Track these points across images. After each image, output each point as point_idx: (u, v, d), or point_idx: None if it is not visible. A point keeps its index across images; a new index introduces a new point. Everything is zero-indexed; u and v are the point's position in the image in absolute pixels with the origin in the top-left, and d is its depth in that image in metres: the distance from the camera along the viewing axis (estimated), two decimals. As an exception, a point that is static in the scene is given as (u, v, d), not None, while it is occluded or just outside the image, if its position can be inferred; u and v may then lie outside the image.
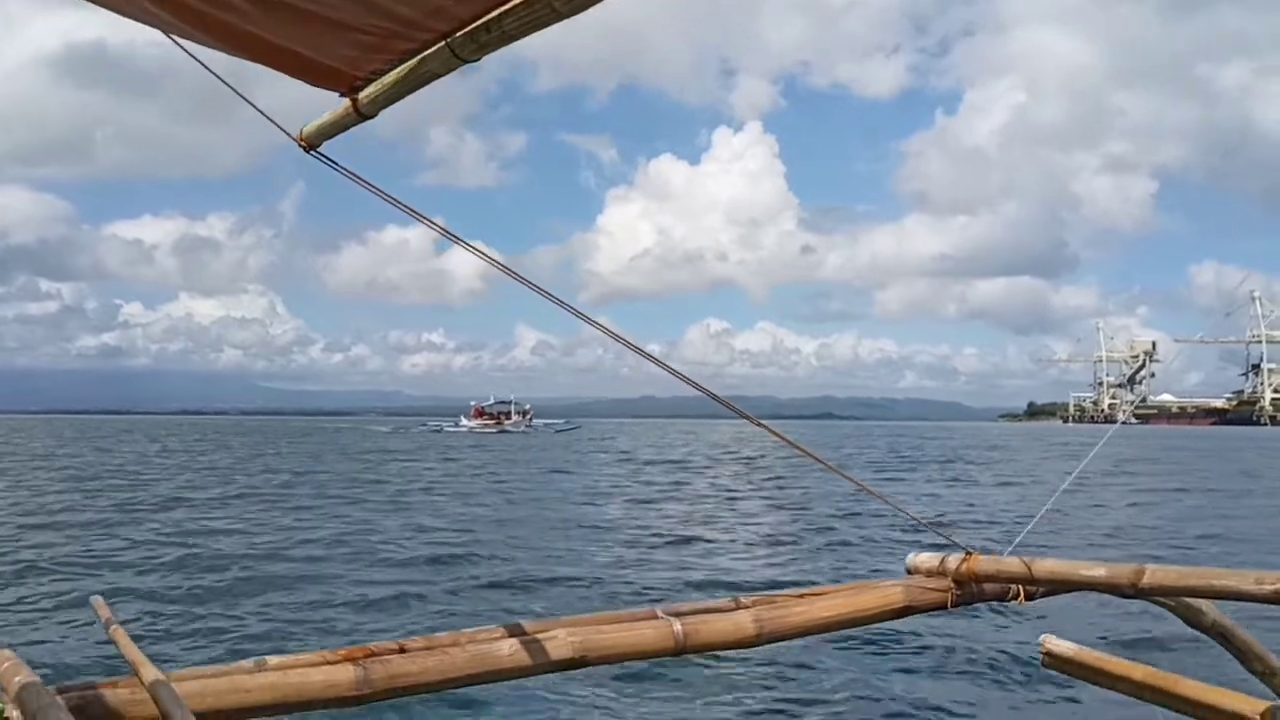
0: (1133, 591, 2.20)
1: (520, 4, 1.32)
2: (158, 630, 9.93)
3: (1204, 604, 2.48)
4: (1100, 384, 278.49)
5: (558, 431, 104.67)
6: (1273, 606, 1.97)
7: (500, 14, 1.36)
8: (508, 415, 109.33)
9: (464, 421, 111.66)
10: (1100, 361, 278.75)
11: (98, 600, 2.51)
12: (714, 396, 2.37)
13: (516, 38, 1.39)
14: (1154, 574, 2.16)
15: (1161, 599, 2.41)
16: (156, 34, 1.56)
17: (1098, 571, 2.26)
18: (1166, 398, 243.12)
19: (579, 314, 2.20)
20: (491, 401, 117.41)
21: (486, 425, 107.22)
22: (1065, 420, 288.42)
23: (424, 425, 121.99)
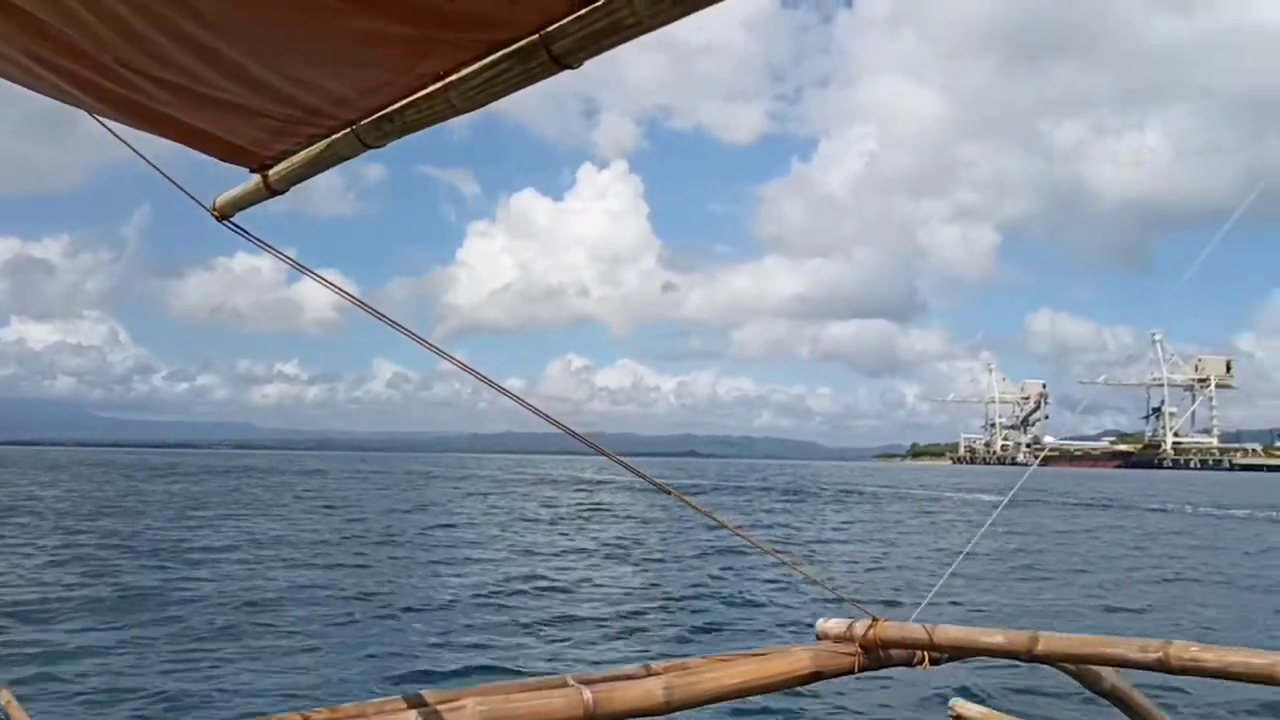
0: (1029, 658, 2.29)
1: (421, 98, 1.38)
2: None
3: (1103, 668, 2.57)
4: (992, 425, 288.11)
5: None
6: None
7: (403, 106, 1.42)
8: None
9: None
10: (993, 403, 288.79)
11: (4, 694, 2.34)
12: (577, 436, 2.29)
13: (418, 128, 1.45)
14: (1048, 641, 2.26)
15: (1061, 664, 2.49)
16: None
17: (996, 639, 2.35)
18: (1049, 440, 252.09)
19: (438, 350, 2.14)
20: None
21: None
22: (955, 461, 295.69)
23: None
